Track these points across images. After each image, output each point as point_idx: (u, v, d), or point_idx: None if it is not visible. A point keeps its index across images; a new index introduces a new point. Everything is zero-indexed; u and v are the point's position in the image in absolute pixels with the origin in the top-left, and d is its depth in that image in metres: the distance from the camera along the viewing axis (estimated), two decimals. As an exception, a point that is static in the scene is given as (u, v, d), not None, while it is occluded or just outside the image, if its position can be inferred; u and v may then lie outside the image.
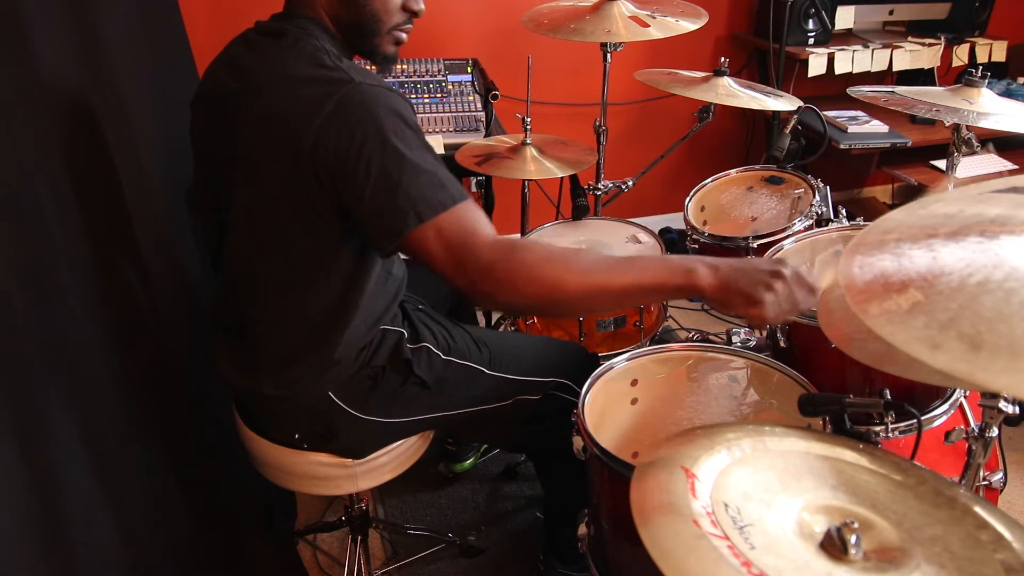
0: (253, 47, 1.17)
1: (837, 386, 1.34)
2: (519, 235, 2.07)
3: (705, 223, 1.96)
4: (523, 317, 1.80)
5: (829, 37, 2.84)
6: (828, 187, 1.81)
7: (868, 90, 1.68)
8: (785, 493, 0.82)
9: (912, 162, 2.78)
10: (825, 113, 2.37)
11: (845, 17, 2.90)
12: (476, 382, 1.38)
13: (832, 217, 1.74)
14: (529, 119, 1.96)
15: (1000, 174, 2.64)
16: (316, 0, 1.17)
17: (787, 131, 1.93)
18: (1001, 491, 1.40)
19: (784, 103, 1.86)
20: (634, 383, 1.36)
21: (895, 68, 2.88)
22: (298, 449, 1.32)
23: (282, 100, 1.07)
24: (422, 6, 1.23)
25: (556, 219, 2.21)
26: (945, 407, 1.34)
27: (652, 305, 1.80)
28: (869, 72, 2.85)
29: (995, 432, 1.01)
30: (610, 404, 1.32)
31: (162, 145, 1.45)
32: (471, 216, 1.05)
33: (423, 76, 2.27)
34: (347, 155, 1.03)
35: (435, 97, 2.22)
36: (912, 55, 2.86)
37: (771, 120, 2.91)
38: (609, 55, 2.12)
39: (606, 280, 1.05)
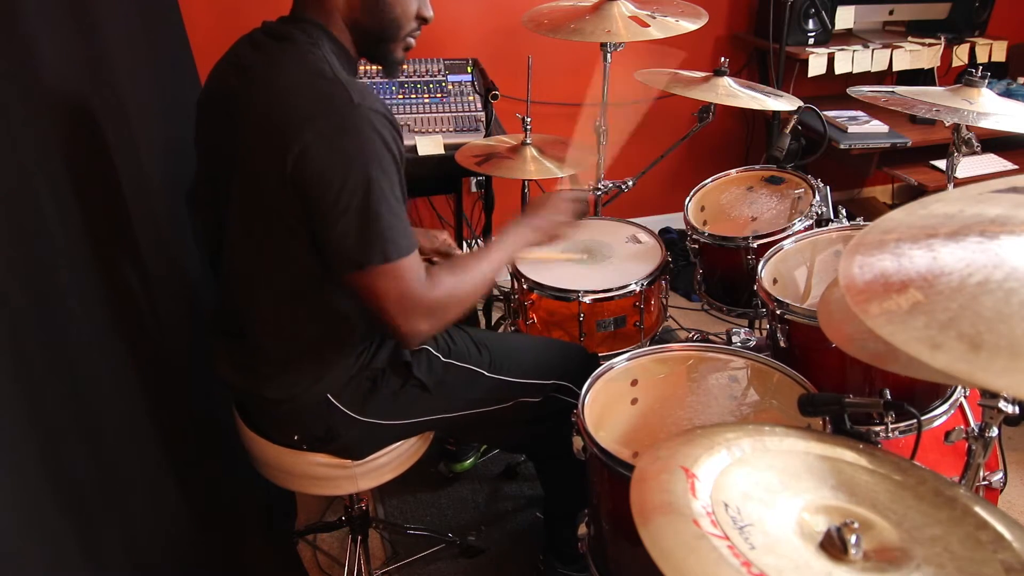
0: (258, 48, 1.17)
1: (837, 386, 1.34)
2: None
3: (705, 223, 1.96)
4: (523, 318, 1.80)
5: (829, 37, 2.84)
6: (828, 187, 1.81)
7: (868, 90, 1.68)
8: (785, 493, 0.82)
9: (912, 162, 2.78)
10: (825, 113, 2.37)
11: (845, 17, 2.90)
12: (476, 384, 1.38)
13: (832, 217, 1.74)
14: (529, 119, 1.96)
15: (1000, 174, 2.64)
16: (332, 5, 1.17)
17: (787, 131, 1.93)
18: (1001, 491, 1.40)
19: (784, 103, 1.86)
20: (634, 383, 1.36)
21: (895, 68, 2.88)
22: (298, 450, 1.32)
23: (279, 106, 1.07)
24: (432, 13, 1.26)
25: (556, 219, 2.21)
26: (945, 407, 1.34)
27: (652, 305, 1.81)
28: (869, 72, 2.85)
29: (995, 432, 1.01)
30: (610, 404, 1.32)
31: (162, 145, 1.45)
32: (418, 264, 1.13)
33: (423, 76, 2.27)
34: (332, 177, 1.04)
35: (435, 97, 2.22)
36: (912, 55, 2.86)
37: (771, 120, 2.91)
38: (609, 55, 2.12)
39: (490, 275, 1.25)
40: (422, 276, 1.12)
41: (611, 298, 1.70)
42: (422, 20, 1.25)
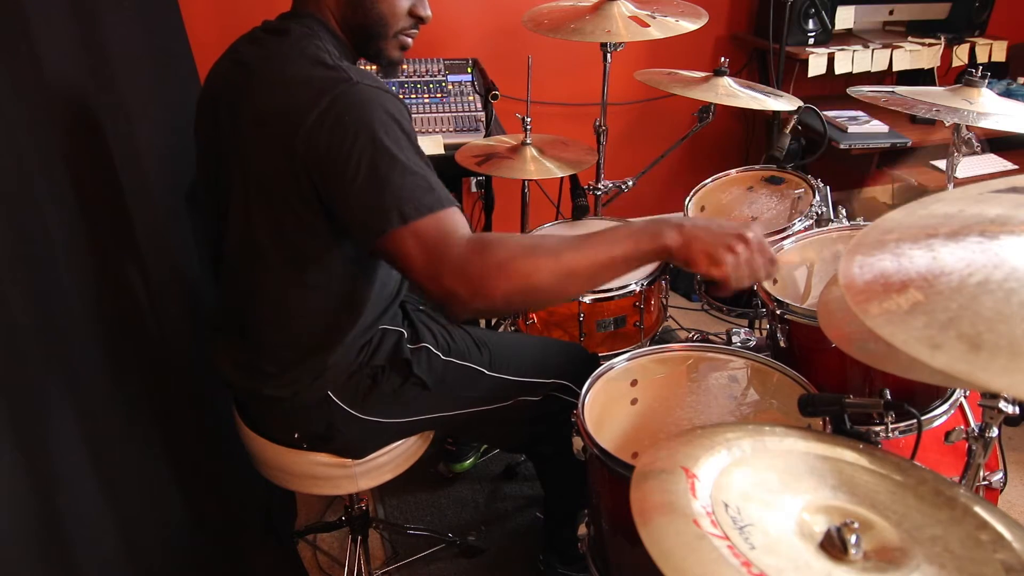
0: (258, 44, 1.17)
1: (837, 386, 1.34)
2: (519, 231, 2.07)
3: (705, 223, 1.96)
4: (523, 317, 1.80)
5: (829, 37, 2.84)
6: (828, 187, 1.81)
7: (868, 90, 1.68)
8: (785, 493, 0.82)
9: (912, 162, 2.78)
10: (825, 113, 2.37)
11: (845, 17, 2.90)
12: (476, 383, 1.38)
13: (832, 217, 1.74)
14: (529, 119, 1.96)
15: (1000, 174, 2.64)
16: (323, 1, 1.18)
17: (787, 131, 1.93)
18: (1001, 491, 1.40)
19: (784, 103, 1.86)
20: (634, 383, 1.36)
21: (895, 68, 2.88)
22: (298, 449, 1.32)
23: (280, 95, 1.07)
24: (429, 12, 1.24)
25: (556, 219, 2.21)
26: (945, 407, 1.34)
27: (652, 305, 1.80)
28: (869, 72, 2.85)
29: (995, 432, 1.01)
30: (610, 404, 1.32)
31: (162, 145, 1.45)
32: (453, 221, 1.03)
33: (423, 76, 2.27)
34: (338, 152, 1.03)
35: (435, 97, 2.22)
36: (912, 55, 2.86)
37: (771, 120, 2.91)
38: (609, 55, 2.12)
39: (577, 261, 1.02)
40: (455, 232, 1.01)
41: (611, 298, 1.70)
42: (418, 19, 1.24)
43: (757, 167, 2.02)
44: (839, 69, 2.80)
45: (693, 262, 1.04)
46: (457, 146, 2.01)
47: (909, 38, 2.93)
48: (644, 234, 1.04)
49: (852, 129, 2.69)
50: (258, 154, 1.10)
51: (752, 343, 1.61)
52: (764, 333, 1.79)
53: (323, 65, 1.09)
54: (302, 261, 1.17)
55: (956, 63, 2.93)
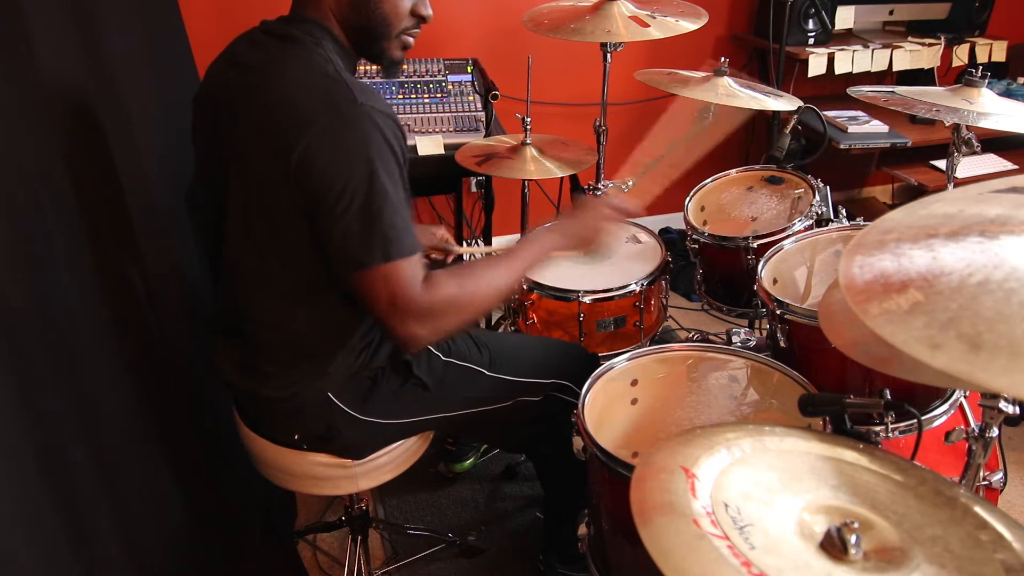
0: (259, 47, 1.16)
1: (837, 386, 1.34)
2: (515, 236, 2.07)
3: (705, 223, 1.96)
4: (523, 318, 1.80)
5: (829, 37, 2.84)
6: (828, 187, 1.81)
7: (868, 90, 1.68)
8: (785, 493, 0.82)
9: (912, 162, 2.78)
10: (825, 113, 2.37)
11: (845, 17, 2.90)
12: (476, 383, 1.38)
13: (832, 217, 1.74)
14: (529, 119, 1.96)
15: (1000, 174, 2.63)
16: (325, 3, 1.17)
17: (787, 131, 1.93)
18: (1001, 491, 1.40)
19: (784, 103, 1.86)
20: (634, 383, 1.36)
21: (895, 68, 2.88)
22: (298, 449, 1.32)
23: (281, 104, 1.07)
24: (430, 12, 1.23)
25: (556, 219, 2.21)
26: (945, 407, 1.34)
27: (652, 305, 1.80)
28: (869, 72, 2.85)
29: (995, 432, 1.01)
30: (610, 404, 1.32)
31: (162, 145, 1.45)
32: (417, 266, 1.10)
33: (423, 76, 2.27)
34: (333, 176, 1.03)
35: (435, 97, 2.22)
36: (912, 55, 2.86)
37: (771, 120, 2.91)
38: (609, 55, 2.12)
39: (503, 284, 1.20)
40: (418, 278, 1.08)
41: (611, 298, 1.70)
42: (420, 19, 1.23)
43: (757, 167, 2.02)
44: (839, 69, 2.80)
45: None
46: (457, 146, 2.02)
47: (909, 38, 2.93)
48: (535, 246, 1.26)
49: (852, 129, 2.69)
50: (258, 159, 1.10)
51: (752, 343, 1.60)
52: (764, 333, 1.79)
53: (328, 78, 1.09)
54: (301, 264, 1.16)
55: (956, 63, 2.93)
